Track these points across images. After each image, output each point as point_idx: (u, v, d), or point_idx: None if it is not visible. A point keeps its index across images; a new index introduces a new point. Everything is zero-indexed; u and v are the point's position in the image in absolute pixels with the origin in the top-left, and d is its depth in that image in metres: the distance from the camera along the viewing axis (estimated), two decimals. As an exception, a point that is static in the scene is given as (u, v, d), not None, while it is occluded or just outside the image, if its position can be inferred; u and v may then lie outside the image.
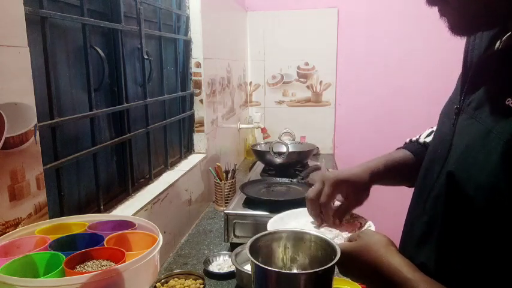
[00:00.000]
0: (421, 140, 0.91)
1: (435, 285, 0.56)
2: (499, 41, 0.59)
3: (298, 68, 2.86)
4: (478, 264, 0.52)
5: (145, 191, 1.37)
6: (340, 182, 0.86)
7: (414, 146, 0.91)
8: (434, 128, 0.84)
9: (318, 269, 0.61)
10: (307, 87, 2.88)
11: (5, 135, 0.71)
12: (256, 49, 2.88)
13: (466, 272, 0.54)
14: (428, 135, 0.90)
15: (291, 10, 2.79)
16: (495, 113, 0.52)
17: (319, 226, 0.88)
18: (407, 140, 0.94)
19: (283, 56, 2.85)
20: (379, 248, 0.64)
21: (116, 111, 1.26)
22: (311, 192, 0.88)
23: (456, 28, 0.54)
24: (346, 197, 0.88)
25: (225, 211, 1.39)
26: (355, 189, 0.87)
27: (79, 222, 0.80)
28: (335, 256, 0.63)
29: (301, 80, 2.87)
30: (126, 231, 0.77)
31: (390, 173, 0.89)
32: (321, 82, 2.86)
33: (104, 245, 0.71)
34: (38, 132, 0.80)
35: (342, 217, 0.88)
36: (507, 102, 0.49)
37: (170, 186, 1.44)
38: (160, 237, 0.72)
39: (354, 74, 2.82)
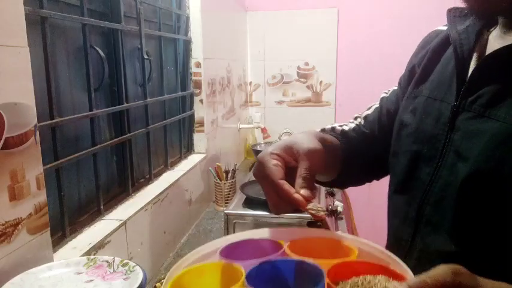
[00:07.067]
0: (338, 128, 0.83)
1: None
2: (486, 35, 0.58)
3: (298, 68, 2.85)
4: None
5: (145, 191, 1.37)
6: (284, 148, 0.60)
7: (335, 134, 0.79)
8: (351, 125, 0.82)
9: None
10: (307, 87, 2.87)
11: (5, 135, 0.71)
12: (256, 49, 2.87)
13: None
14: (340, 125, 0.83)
15: (291, 10, 2.78)
16: None
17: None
18: (319, 130, 0.81)
19: (283, 56, 2.85)
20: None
21: (115, 111, 1.26)
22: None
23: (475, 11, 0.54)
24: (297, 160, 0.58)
25: (225, 211, 1.39)
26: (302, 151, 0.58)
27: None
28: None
29: (301, 80, 2.87)
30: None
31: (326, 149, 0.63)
32: (321, 82, 2.85)
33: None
34: (38, 132, 0.79)
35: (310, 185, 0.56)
36: None
37: (170, 186, 1.44)
38: None
39: (354, 74, 2.81)
